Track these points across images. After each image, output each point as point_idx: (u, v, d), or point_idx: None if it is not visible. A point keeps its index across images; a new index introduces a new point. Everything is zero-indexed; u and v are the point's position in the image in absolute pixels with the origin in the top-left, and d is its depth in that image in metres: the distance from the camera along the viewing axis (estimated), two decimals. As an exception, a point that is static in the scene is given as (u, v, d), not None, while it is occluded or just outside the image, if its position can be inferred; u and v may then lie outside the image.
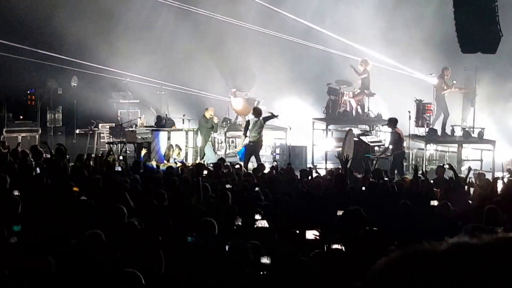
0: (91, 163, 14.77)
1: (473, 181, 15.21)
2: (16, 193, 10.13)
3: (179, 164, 17.76)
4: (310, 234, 7.73)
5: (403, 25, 24.20)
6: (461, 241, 1.08)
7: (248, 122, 20.21)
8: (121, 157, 17.61)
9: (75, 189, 11.01)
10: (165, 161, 20.60)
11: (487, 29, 20.00)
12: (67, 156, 15.12)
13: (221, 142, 23.29)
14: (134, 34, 25.65)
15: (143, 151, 20.77)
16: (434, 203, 10.93)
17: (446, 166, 15.76)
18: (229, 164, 17.26)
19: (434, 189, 12.70)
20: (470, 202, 11.89)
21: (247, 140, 19.92)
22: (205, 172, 14.51)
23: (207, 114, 21.53)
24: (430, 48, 23.76)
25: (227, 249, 6.81)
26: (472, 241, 1.07)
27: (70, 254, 6.49)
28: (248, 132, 19.73)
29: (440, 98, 21.51)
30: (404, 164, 20.15)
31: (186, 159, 21.22)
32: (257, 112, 20.13)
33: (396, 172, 18.80)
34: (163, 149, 21.49)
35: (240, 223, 8.89)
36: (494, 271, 1.00)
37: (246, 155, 19.67)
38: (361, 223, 6.67)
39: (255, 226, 8.44)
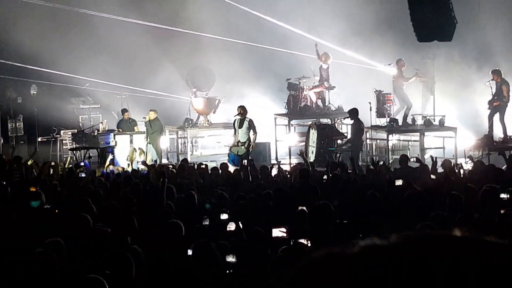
0: (51, 170, 14.66)
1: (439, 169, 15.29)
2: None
3: (142, 167, 17.62)
4: (277, 232, 7.70)
5: (359, 16, 24.28)
6: (369, 243, 1.07)
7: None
8: (82, 163, 17.47)
9: (32, 189, 10.95)
10: (129, 164, 20.44)
11: (442, 16, 20.10)
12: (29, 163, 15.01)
13: (185, 143, 23.27)
14: (91, 39, 25.44)
15: (110, 157, 20.58)
16: (399, 182, 11.02)
17: (413, 159, 15.87)
18: (192, 164, 17.20)
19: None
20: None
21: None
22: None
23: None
24: (388, 38, 23.89)
25: (191, 250, 6.75)
26: (380, 242, 1.07)
27: (31, 263, 6.39)
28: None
29: (398, 90, 21.57)
30: (360, 155, 20.13)
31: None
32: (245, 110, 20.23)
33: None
34: (121, 153, 21.41)
35: (207, 223, 8.87)
36: (396, 274, 1.00)
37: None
38: (329, 217, 6.67)
39: (226, 229, 8.39)
